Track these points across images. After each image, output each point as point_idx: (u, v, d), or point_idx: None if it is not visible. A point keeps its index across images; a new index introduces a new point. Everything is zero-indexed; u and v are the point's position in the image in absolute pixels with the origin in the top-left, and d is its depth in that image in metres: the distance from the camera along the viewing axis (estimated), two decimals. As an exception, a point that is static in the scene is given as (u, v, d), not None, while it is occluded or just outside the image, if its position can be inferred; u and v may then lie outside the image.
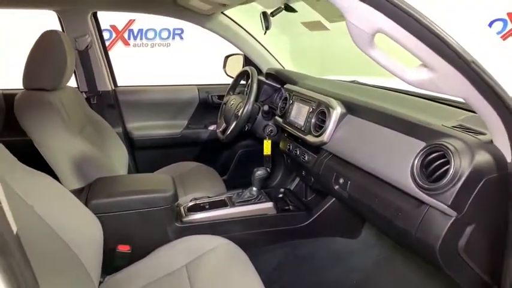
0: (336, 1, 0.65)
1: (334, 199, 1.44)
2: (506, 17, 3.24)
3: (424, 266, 1.30)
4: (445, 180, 0.74)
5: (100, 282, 1.14)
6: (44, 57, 1.38)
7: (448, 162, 0.75)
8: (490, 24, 3.31)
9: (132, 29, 4.62)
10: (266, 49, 2.04)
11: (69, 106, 1.47)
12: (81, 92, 1.90)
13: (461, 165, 0.73)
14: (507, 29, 3.23)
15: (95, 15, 1.88)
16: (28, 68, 1.38)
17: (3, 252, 0.41)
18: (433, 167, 0.78)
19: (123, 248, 1.20)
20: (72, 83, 1.64)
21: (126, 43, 4.63)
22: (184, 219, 1.34)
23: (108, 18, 4.21)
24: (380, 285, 1.39)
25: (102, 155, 1.48)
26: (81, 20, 1.80)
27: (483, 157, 0.73)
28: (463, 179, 0.72)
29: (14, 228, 0.44)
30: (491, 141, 0.76)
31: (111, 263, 1.20)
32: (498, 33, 3.28)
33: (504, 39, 3.20)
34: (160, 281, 1.09)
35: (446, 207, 0.75)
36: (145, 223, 1.23)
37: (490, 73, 0.67)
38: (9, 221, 0.44)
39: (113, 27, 4.52)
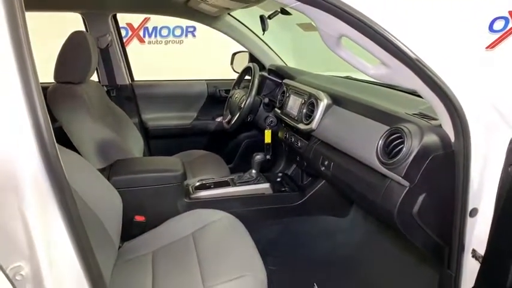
0: (308, 13, 0.82)
1: (324, 181, 1.61)
2: (508, 15, 3.31)
3: (404, 243, 1.45)
4: (399, 156, 0.91)
5: (119, 247, 1.34)
6: (72, 54, 1.59)
7: (403, 142, 0.92)
8: (492, 23, 3.38)
9: (147, 27, 4.77)
10: (269, 47, 2.21)
11: (93, 97, 1.69)
12: (102, 85, 2.12)
13: (412, 144, 0.89)
14: (508, 27, 3.30)
15: (114, 17, 2.10)
16: (58, 63, 1.59)
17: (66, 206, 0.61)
18: (392, 146, 0.95)
19: (139, 218, 1.41)
20: (94, 77, 1.85)
21: (142, 40, 4.80)
22: (192, 196, 1.54)
23: (124, 16, 4.40)
24: (366, 259, 1.56)
25: (121, 140, 1.69)
26: (103, 22, 2.01)
27: (431, 138, 0.90)
28: (413, 155, 0.89)
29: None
30: (440, 126, 0.93)
31: (129, 231, 1.40)
32: (500, 30, 3.35)
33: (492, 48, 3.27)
34: (170, 246, 1.28)
35: (400, 178, 0.92)
36: (158, 198, 1.43)
37: (433, 68, 0.83)
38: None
39: (129, 25, 4.67)
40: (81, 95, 1.57)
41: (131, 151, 1.74)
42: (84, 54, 1.60)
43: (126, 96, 2.20)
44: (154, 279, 1.13)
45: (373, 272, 1.46)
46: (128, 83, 2.20)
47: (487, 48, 3.33)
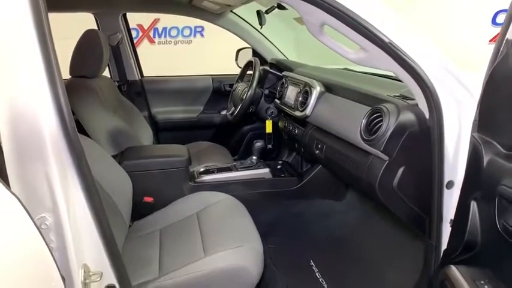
0: (292, 4, 0.92)
1: (321, 166, 1.70)
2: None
3: (398, 224, 1.53)
4: (378, 133, 1.00)
5: (130, 226, 1.46)
6: (86, 50, 1.72)
7: (382, 120, 1.01)
8: (495, 16, 3.40)
9: (157, 28, 4.91)
10: (270, 42, 2.32)
11: (105, 91, 1.82)
12: (114, 81, 2.26)
13: (389, 121, 0.99)
14: None
15: (124, 16, 2.23)
16: (74, 59, 1.73)
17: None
18: (372, 124, 1.04)
19: (148, 199, 1.53)
20: (105, 74, 1.98)
21: (152, 41, 4.93)
22: (197, 180, 1.66)
23: (135, 18, 4.56)
24: (360, 238, 1.64)
25: (132, 130, 1.82)
26: (114, 20, 2.15)
27: (407, 115, 0.99)
28: (390, 131, 0.98)
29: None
30: (417, 105, 1.01)
31: (138, 211, 1.52)
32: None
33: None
34: (176, 224, 1.40)
35: (380, 153, 1.01)
36: (166, 181, 1.55)
37: (406, 51, 0.92)
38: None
39: (140, 26, 4.80)
40: (94, 88, 1.71)
41: (141, 140, 1.87)
42: (97, 50, 1.73)
43: (136, 91, 2.34)
44: (161, 251, 1.24)
45: (366, 250, 1.55)
46: (137, 78, 2.34)
47: (490, 41, 3.34)
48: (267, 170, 1.74)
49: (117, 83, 2.24)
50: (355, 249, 1.57)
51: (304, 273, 1.47)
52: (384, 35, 0.90)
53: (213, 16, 2.14)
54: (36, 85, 0.67)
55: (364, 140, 1.06)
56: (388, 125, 0.98)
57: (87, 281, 0.76)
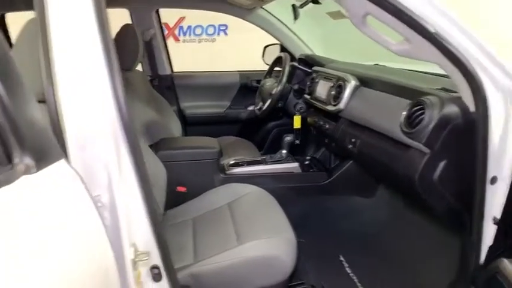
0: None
1: (351, 162, 1.69)
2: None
3: (430, 221, 1.50)
4: (420, 125, 0.99)
5: (163, 214, 1.50)
6: (122, 44, 1.77)
7: (424, 113, 1.00)
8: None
9: (181, 26, 5.00)
10: (299, 38, 2.31)
11: (139, 84, 1.87)
12: (146, 75, 2.32)
13: (432, 114, 0.97)
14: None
15: (157, 12, 2.29)
16: (111, 53, 1.78)
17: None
18: (414, 116, 1.03)
19: (181, 189, 1.56)
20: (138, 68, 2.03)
21: (176, 39, 5.02)
22: (227, 172, 1.68)
23: (161, 16, 4.66)
24: (390, 236, 1.62)
25: (164, 122, 1.86)
26: (147, 16, 2.21)
27: (451, 108, 0.97)
28: (433, 123, 0.97)
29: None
30: (460, 97, 0.99)
31: (171, 200, 1.55)
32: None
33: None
34: (208, 214, 1.43)
35: (421, 145, 1.00)
36: (197, 171, 1.59)
37: (453, 42, 0.90)
38: None
39: (165, 24, 4.87)
40: (130, 80, 1.76)
41: (172, 132, 1.91)
42: (133, 44, 1.78)
43: (167, 85, 2.39)
44: (194, 239, 1.27)
45: (397, 247, 1.53)
46: (168, 73, 2.39)
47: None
48: (296, 164, 1.75)
49: (149, 77, 2.30)
50: (386, 246, 1.55)
51: (334, 268, 1.46)
52: (430, 25, 0.89)
53: (244, 12, 2.16)
54: (97, 76, 0.72)
55: (404, 132, 1.05)
56: (431, 118, 0.97)
57: (137, 259, 0.79)
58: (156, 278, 0.85)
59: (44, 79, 0.72)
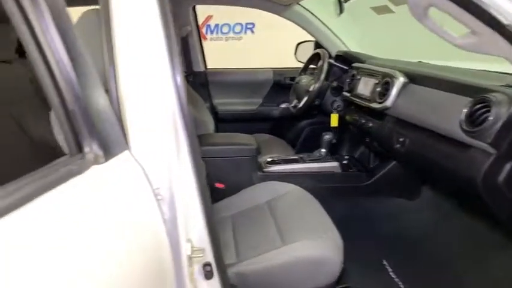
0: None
1: (394, 162, 1.63)
2: None
3: (481, 226, 1.41)
4: (485, 124, 0.92)
5: (201, 210, 1.49)
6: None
7: (489, 111, 0.93)
8: None
9: (209, 24, 5.04)
10: (336, 35, 2.26)
11: (176, 80, 1.87)
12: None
13: (500, 112, 0.91)
14: None
15: (193, 9, 2.29)
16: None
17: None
18: (477, 114, 0.96)
19: (220, 185, 1.55)
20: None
21: (204, 37, 5.06)
22: (265, 170, 1.66)
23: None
24: (439, 241, 1.54)
25: (200, 118, 1.86)
26: (184, 12, 2.21)
27: (520, 106, 0.90)
28: (501, 122, 0.90)
29: None
30: (531, 95, 0.92)
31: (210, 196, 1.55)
32: None
33: None
34: (247, 211, 1.40)
35: (486, 145, 0.93)
36: (236, 168, 1.57)
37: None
38: None
39: None
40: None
41: (207, 129, 1.91)
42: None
43: (201, 82, 2.39)
44: (235, 236, 1.25)
45: (445, 252, 1.45)
46: (202, 69, 2.39)
47: None
48: (336, 163, 1.70)
49: (184, 73, 2.30)
50: (433, 251, 1.48)
51: (377, 272, 1.41)
52: (503, 16, 0.82)
53: (281, 8, 2.13)
54: (159, 69, 0.72)
55: (465, 131, 0.98)
56: (498, 116, 0.90)
57: (192, 255, 0.77)
58: (208, 275, 0.83)
59: (106, 70, 0.72)
